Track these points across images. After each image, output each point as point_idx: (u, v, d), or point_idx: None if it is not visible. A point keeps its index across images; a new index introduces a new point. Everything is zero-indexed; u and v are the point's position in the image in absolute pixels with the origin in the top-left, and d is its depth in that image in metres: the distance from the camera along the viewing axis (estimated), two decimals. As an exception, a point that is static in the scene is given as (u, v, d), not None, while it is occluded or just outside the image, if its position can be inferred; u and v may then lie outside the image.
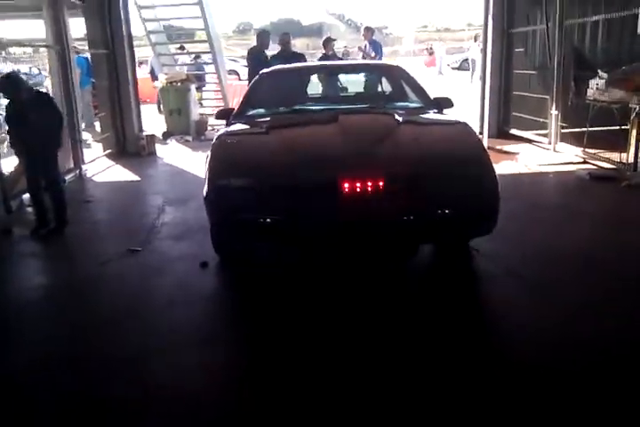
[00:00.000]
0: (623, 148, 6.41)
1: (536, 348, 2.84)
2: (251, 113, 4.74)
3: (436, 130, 4.22)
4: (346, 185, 3.31)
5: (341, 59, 10.09)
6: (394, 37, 43.47)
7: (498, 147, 8.14)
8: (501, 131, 9.28)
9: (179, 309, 3.48)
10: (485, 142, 6.62)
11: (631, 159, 6.24)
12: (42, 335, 3.21)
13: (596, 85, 7.31)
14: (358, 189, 3.32)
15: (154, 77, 11.88)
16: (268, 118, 4.52)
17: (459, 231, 3.53)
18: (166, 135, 10.34)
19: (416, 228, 3.38)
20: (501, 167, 6.64)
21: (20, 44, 8.83)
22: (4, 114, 5.29)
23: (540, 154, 7.80)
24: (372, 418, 2.31)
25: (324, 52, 8.50)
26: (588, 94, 7.35)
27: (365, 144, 3.64)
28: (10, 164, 5.74)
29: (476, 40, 17.28)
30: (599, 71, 7.38)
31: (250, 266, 4.13)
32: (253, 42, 8.79)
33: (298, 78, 5.33)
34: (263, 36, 7.78)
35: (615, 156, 6.53)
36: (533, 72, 8.65)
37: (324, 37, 9.45)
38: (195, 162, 7.07)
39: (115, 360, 2.85)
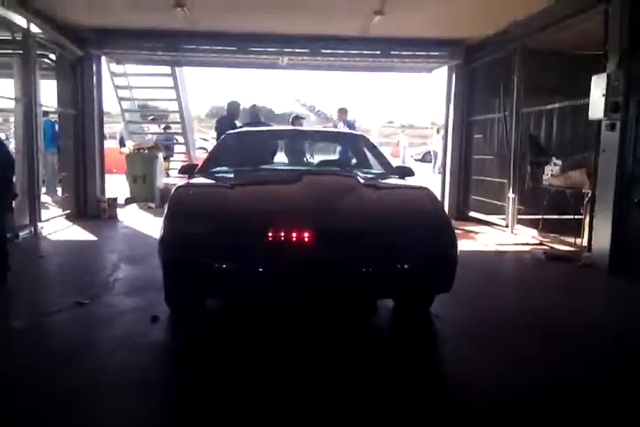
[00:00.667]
0: (577, 233, 6.63)
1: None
2: (214, 170, 4.76)
3: (398, 191, 4.29)
4: (304, 235, 3.29)
5: None
6: (361, 130, 45.23)
7: (458, 227, 8.30)
8: (461, 213, 9.53)
9: (122, 355, 3.29)
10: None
11: (585, 243, 6.42)
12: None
13: (550, 171, 7.67)
14: (315, 240, 3.29)
15: (122, 146, 11.99)
16: (231, 175, 4.53)
17: (417, 287, 3.50)
18: (129, 201, 10.28)
19: (374, 280, 3.35)
20: (461, 245, 6.72)
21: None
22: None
23: (499, 235, 7.99)
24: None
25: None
26: (543, 179, 7.69)
27: (327, 198, 3.67)
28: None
29: (438, 132, 18.11)
30: (554, 158, 7.78)
31: (200, 318, 3.98)
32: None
33: (264, 141, 5.43)
34: (233, 106, 8.01)
35: (570, 239, 6.74)
36: (491, 157, 9.02)
37: (293, 115, 9.77)
38: (156, 226, 6.97)
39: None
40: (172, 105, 11.57)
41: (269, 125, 8.12)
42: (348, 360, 3.28)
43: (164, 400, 2.80)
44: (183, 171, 4.97)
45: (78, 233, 7.54)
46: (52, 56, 8.76)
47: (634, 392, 2.93)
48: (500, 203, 8.49)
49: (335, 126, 10.05)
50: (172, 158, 12.00)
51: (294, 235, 3.33)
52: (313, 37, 8.75)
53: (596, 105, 5.76)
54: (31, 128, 7.23)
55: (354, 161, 5.29)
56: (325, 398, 2.75)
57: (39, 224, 7.35)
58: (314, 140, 5.60)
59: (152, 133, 12.25)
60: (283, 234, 3.34)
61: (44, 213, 7.91)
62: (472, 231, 8.09)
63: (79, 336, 3.68)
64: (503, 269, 6.42)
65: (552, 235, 7.18)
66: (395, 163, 5.34)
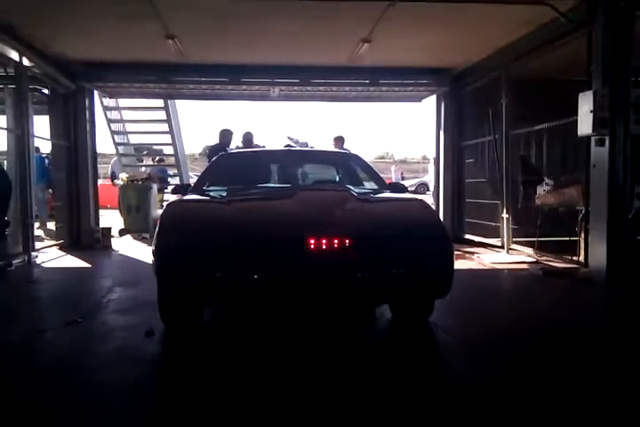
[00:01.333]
0: (573, 251, 6.64)
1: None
2: (207, 188, 4.76)
3: (392, 202, 4.30)
4: (298, 242, 3.27)
5: None
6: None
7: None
8: (456, 236, 9.51)
9: (115, 368, 3.21)
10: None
11: (582, 259, 6.41)
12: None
13: (543, 191, 7.73)
14: (309, 247, 3.28)
15: (113, 180, 12.05)
16: (224, 193, 4.52)
17: (413, 291, 3.46)
18: (123, 232, 10.24)
19: (370, 285, 3.31)
20: (456, 265, 6.73)
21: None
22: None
23: (495, 255, 7.97)
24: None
25: None
26: (536, 198, 7.74)
27: (321, 208, 3.67)
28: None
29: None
30: (545, 178, 7.85)
31: (196, 332, 3.92)
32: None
33: (257, 161, 5.46)
34: (226, 134, 8.07)
35: (567, 257, 6.74)
36: (484, 180, 9.10)
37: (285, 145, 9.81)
38: (150, 255, 6.96)
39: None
40: (165, 138, 11.66)
41: (264, 149, 8.18)
42: (348, 365, 3.22)
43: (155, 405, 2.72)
44: (176, 190, 4.98)
45: (72, 261, 7.48)
46: (45, 91, 8.90)
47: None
48: (494, 224, 8.52)
49: None
50: (166, 190, 12.00)
51: (288, 242, 3.31)
52: (303, 67, 8.92)
53: (585, 121, 5.84)
54: (23, 158, 7.26)
55: (347, 179, 5.31)
56: (326, 405, 2.67)
57: (33, 253, 7.30)
58: (307, 160, 5.63)
59: (145, 166, 12.30)
60: (276, 241, 3.32)
61: (38, 244, 7.88)
62: (468, 252, 8.07)
63: (69, 351, 3.60)
64: (500, 284, 6.39)
65: (548, 254, 7.19)
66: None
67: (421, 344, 3.79)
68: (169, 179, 12.19)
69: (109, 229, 9.09)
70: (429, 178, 18.04)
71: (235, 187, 4.67)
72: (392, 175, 26.44)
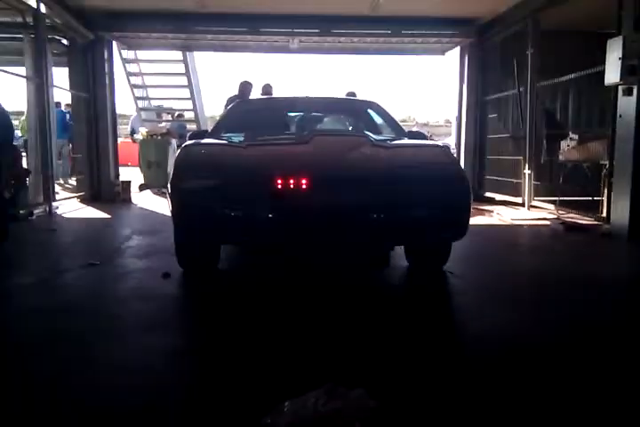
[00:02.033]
0: (595, 209, 6.52)
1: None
2: (224, 134, 4.71)
3: (410, 146, 4.21)
4: (312, 182, 3.22)
5: None
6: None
7: (473, 207, 8.18)
8: (476, 194, 9.39)
9: (134, 303, 3.26)
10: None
11: (605, 215, 6.30)
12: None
13: (567, 146, 7.54)
14: (323, 187, 3.23)
15: (133, 135, 12.05)
16: (242, 138, 4.47)
17: (429, 232, 3.42)
18: (143, 187, 10.29)
19: (385, 226, 3.27)
20: (475, 221, 6.71)
21: None
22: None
23: (515, 212, 7.87)
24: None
25: None
26: (560, 154, 7.57)
27: (337, 150, 3.62)
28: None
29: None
30: (570, 133, 7.65)
31: (211, 275, 3.95)
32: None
33: (275, 108, 5.38)
34: (245, 85, 7.93)
35: (589, 213, 6.63)
36: (507, 135, 8.91)
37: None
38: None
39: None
40: (184, 93, 11.56)
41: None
42: (362, 309, 3.22)
43: (171, 340, 2.75)
44: (193, 136, 4.92)
45: (92, 212, 7.57)
46: (64, 41, 8.83)
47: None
48: (515, 180, 8.38)
49: None
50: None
51: (303, 181, 3.27)
52: (323, 17, 8.69)
53: (612, 69, 5.63)
54: (43, 108, 7.25)
55: (365, 126, 5.21)
56: (339, 346, 2.65)
57: (53, 204, 7.37)
58: (325, 107, 5.52)
59: (165, 121, 12.25)
60: (291, 181, 3.27)
61: (58, 196, 7.95)
62: (487, 210, 7.97)
63: (89, 290, 3.66)
64: (520, 238, 6.31)
65: (571, 210, 7.08)
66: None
67: (435, 290, 3.76)
68: (188, 134, 12.13)
69: (129, 182, 9.13)
70: (452, 141, 17.69)
71: (251, 133, 4.62)
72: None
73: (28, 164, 7.14)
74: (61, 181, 10.46)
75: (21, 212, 6.36)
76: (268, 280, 3.91)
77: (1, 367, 2.36)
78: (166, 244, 4.39)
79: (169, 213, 3.63)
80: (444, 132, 33.28)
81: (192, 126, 11.71)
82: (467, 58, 9.68)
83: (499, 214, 7.57)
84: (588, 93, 8.30)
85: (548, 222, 6.85)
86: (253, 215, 3.29)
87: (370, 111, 5.42)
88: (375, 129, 5.20)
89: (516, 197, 8.36)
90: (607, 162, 6.36)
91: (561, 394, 2.11)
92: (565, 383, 2.21)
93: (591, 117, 8.49)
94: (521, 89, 8.15)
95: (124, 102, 26.54)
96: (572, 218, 6.86)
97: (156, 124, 11.60)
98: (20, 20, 7.40)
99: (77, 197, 8.52)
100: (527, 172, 8.03)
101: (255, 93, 7.99)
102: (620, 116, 5.76)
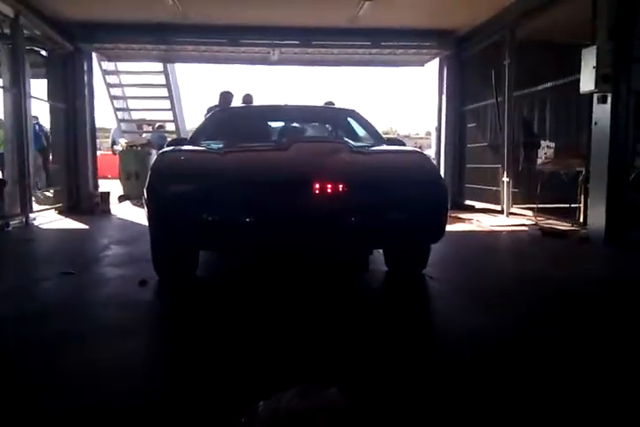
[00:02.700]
0: (573, 216, 6.59)
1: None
2: (204, 142, 4.69)
3: (388, 152, 4.23)
4: (291, 186, 3.23)
5: None
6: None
7: (452, 215, 8.26)
8: (456, 203, 9.46)
9: (107, 310, 3.21)
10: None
11: (582, 219, 6.37)
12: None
13: (544, 154, 7.65)
14: (301, 191, 3.23)
15: (113, 146, 11.99)
16: (220, 145, 4.46)
17: (406, 235, 3.43)
18: (122, 199, 10.21)
19: (363, 229, 3.28)
20: (455, 227, 6.78)
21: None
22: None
23: (494, 218, 7.93)
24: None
25: None
26: (537, 163, 7.67)
27: (316, 156, 3.62)
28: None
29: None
30: (547, 141, 7.76)
31: (190, 282, 3.92)
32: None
33: (253, 116, 5.38)
34: (226, 95, 7.93)
35: (566, 219, 6.70)
36: (485, 144, 9.01)
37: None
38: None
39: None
40: (164, 104, 11.56)
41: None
42: (341, 313, 3.20)
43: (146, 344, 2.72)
44: (172, 144, 4.90)
45: (70, 223, 7.47)
46: (43, 53, 8.79)
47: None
48: (494, 188, 8.46)
49: None
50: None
51: (281, 187, 3.27)
52: (303, 29, 8.76)
53: (587, 77, 5.73)
54: (20, 119, 7.19)
55: (345, 134, 5.23)
56: (317, 349, 2.63)
57: (30, 215, 7.29)
58: (304, 115, 5.54)
59: (145, 132, 12.22)
60: (270, 186, 3.28)
61: (36, 207, 7.86)
62: (467, 218, 8.02)
63: (65, 296, 3.62)
64: (498, 244, 6.36)
65: (548, 217, 7.15)
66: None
67: (414, 293, 3.77)
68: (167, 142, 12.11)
69: (108, 193, 9.06)
70: (432, 152, 17.85)
71: (230, 140, 4.61)
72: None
73: (4, 174, 7.06)
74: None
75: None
76: (247, 286, 3.89)
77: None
78: (143, 253, 4.33)
79: (147, 223, 3.61)
80: (425, 144, 33.53)
81: (172, 137, 11.67)
82: (445, 69, 9.81)
83: (478, 221, 7.63)
84: (564, 102, 8.42)
85: (526, 229, 6.91)
86: (231, 220, 3.28)
87: (349, 119, 5.45)
88: (355, 136, 5.23)
89: (495, 204, 8.44)
90: (583, 168, 6.44)
91: (535, 395, 2.11)
92: (540, 385, 2.21)
93: (568, 125, 8.60)
94: (499, 99, 8.26)
95: (104, 115, 26.47)
96: (550, 224, 6.92)
97: (137, 136, 11.55)
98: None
99: (55, 209, 8.42)
100: (506, 179, 8.11)
101: (236, 104, 7.99)
102: (596, 123, 5.85)
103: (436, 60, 10.02)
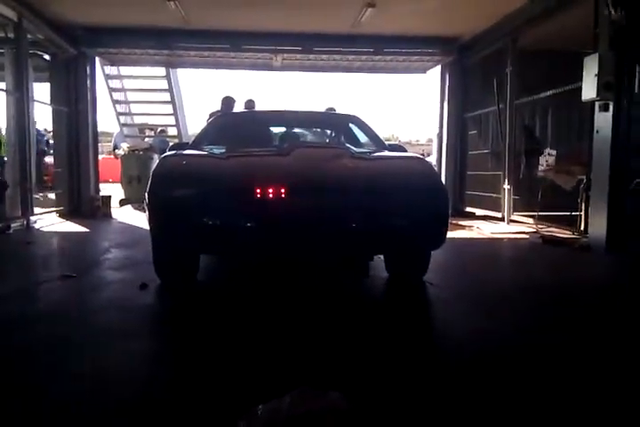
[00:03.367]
0: (574, 224, 6.59)
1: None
2: (206, 147, 4.70)
3: (390, 158, 4.24)
4: (291, 191, 3.24)
5: None
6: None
7: (453, 222, 8.26)
8: (456, 210, 9.47)
9: (108, 313, 3.21)
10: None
11: (583, 229, 6.37)
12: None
13: (546, 162, 7.65)
14: (302, 196, 3.24)
15: (115, 150, 12.00)
16: (222, 150, 4.47)
17: (407, 241, 3.43)
18: (123, 202, 10.22)
19: (363, 235, 3.28)
20: (455, 234, 6.78)
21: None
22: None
23: (495, 225, 7.93)
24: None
25: None
26: (539, 171, 7.67)
27: (317, 161, 3.62)
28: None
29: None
30: (548, 149, 7.76)
31: (191, 286, 3.91)
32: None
33: (255, 121, 5.39)
34: (228, 101, 7.96)
35: (567, 227, 6.70)
36: (487, 151, 9.02)
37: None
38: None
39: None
40: (167, 108, 11.58)
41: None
42: (342, 319, 3.19)
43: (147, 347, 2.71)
44: (174, 148, 4.91)
45: (71, 226, 7.48)
46: (46, 57, 8.83)
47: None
48: (495, 195, 8.46)
49: None
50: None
51: (282, 192, 3.27)
52: (305, 35, 8.79)
53: (589, 85, 5.74)
54: (23, 122, 7.21)
55: (346, 139, 5.24)
56: (318, 354, 2.63)
57: (31, 218, 7.29)
58: (306, 121, 5.56)
59: (147, 137, 12.24)
60: (271, 191, 3.28)
61: (37, 210, 7.86)
62: (467, 225, 8.02)
63: (65, 299, 3.61)
64: (498, 251, 6.36)
65: (549, 224, 7.14)
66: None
67: (415, 299, 3.76)
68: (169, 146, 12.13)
69: (109, 197, 9.07)
70: (433, 159, 17.87)
71: (232, 145, 4.62)
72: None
73: (6, 177, 7.07)
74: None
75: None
76: (247, 290, 3.88)
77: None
78: (144, 257, 4.35)
79: (148, 227, 3.61)
80: (427, 151, 33.59)
81: (175, 141, 11.69)
82: (447, 76, 9.84)
83: (479, 229, 7.63)
84: (565, 109, 8.44)
85: (526, 236, 6.91)
86: (232, 225, 3.28)
87: (351, 125, 5.46)
88: (356, 142, 5.24)
89: (496, 211, 8.44)
90: (584, 176, 6.45)
91: (535, 399, 2.10)
92: (540, 389, 2.21)
93: (569, 133, 8.62)
94: (501, 106, 8.28)
95: (106, 119, 26.50)
96: (550, 232, 6.92)
97: (139, 140, 11.57)
98: (1, 34, 7.39)
99: (56, 212, 8.43)
100: (507, 187, 8.11)
101: (238, 109, 8.02)
102: (597, 131, 5.86)
103: (438, 67, 10.05)
